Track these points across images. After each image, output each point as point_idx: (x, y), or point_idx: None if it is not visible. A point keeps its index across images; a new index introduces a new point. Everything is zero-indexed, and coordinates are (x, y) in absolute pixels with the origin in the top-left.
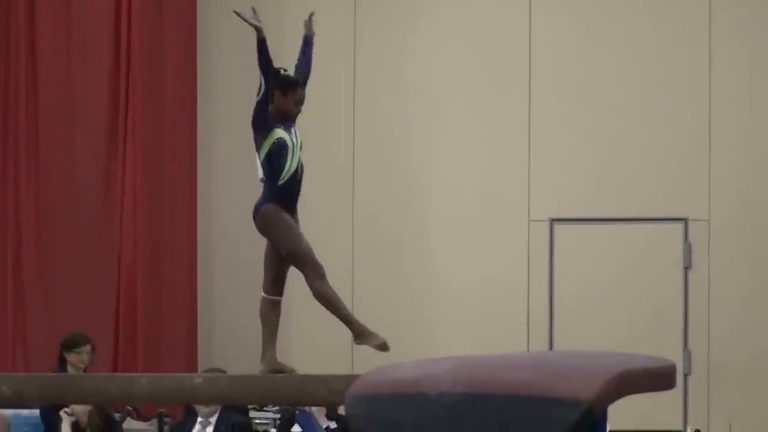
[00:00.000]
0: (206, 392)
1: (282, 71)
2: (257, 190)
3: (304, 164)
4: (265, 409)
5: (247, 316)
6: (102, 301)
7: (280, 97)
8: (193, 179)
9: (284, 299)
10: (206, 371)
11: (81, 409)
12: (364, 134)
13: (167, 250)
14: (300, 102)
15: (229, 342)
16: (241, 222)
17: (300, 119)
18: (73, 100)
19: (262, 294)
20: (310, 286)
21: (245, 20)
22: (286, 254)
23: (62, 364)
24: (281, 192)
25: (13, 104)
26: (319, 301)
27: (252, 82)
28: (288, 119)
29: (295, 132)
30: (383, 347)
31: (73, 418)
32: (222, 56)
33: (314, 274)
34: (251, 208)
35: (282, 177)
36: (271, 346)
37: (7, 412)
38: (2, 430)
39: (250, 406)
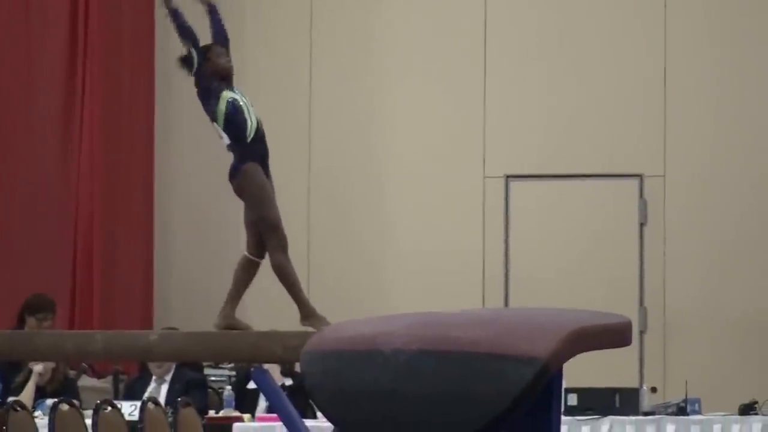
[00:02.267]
0: (162, 349)
1: (190, 52)
2: (215, 146)
3: (261, 119)
4: (220, 366)
5: (203, 274)
6: (58, 259)
7: (209, 62)
8: (150, 136)
9: (242, 252)
10: (162, 330)
11: (47, 367)
12: (320, 95)
13: (123, 207)
14: (221, 54)
15: (184, 300)
16: (198, 179)
17: (257, 83)
18: (30, 59)
19: (244, 252)
20: (271, 256)
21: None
22: (256, 219)
23: (20, 325)
24: (253, 150)
25: None
26: (276, 273)
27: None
28: (227, 78)
29: (240, 91)
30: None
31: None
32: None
33: (278, 244)
34: (209, 165)
35: (249, 133)
36: (233, 302)
37: None
38: None
39: (205, 364)
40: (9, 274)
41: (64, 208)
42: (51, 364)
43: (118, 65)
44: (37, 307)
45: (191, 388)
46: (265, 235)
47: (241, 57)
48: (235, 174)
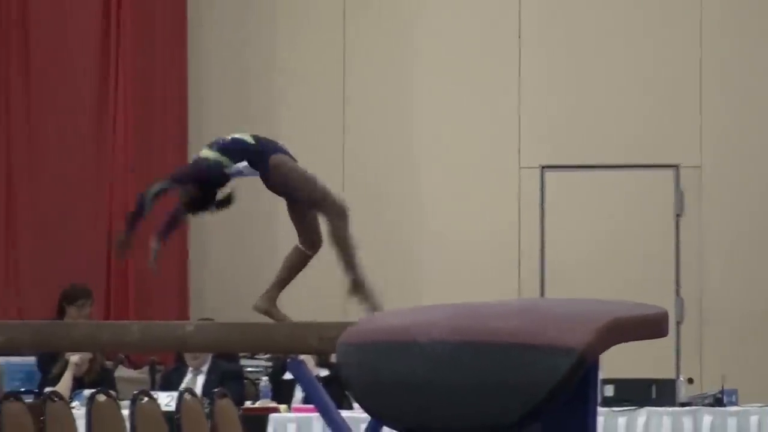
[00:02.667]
0: (197, 340)
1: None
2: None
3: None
4: (256, 357)
5: (238, 265)
6: (94, 250)
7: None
8: (183, 128)
9: (277, 245)
10: (198, 320)
11: (84, 358)
12: (355, 86)
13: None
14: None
15: (219, 291)
16: None
17: (292, 68)
18: (65, 52)
19: (297, 244)
20: (330, 225)
21: None
22: (306, 198)
23: (60, 316)
24: (263, 148)
25: (4, 56)
26: (333, 240)
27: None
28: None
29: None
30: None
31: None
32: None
33: (334, 212)
34: None
35: (249, 143)
36: (278, 288)
37: (0, 359)
38: None
39: (241, 355)
40: (45, 264)
41: (99, 201)
42: (87, 355)
43: (151, 58)
44: (74, 295)
45: (227, 379)
46: (321, 208)
47: (273, 55)
48: (267, 177)
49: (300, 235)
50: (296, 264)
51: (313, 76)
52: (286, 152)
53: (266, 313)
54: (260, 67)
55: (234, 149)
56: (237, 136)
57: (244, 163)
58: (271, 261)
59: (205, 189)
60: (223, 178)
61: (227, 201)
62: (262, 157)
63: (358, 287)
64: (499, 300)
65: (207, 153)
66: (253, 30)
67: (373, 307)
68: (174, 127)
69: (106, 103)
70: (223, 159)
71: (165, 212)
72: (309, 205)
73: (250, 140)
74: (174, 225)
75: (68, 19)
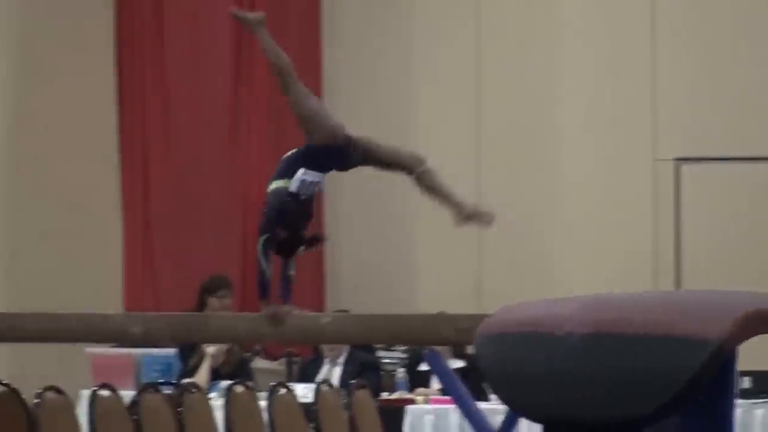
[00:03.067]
0: (334, 332)
1: None
2: (382, 125)
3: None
4: (392, 348)
5: (375, 257)
6: (229, 241)
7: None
8: None
9: (413, 236)
10: (334, 312)
11: (221, 349)
12: (489, 77)
13: None
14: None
15: (356, 283)
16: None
17: (427, 66)
18: (199, 43)
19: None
20: (416, 172)
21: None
22: (388, 160)
23: (201, 307)
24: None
25: (139, 50)
26: (425, 184)
27: (378, 14)
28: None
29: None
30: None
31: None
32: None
33: (416, 162)
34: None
35: (290, 153)
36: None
37: (138, 351)
38: (133, 370)
39: (377, 346)
40: (181, 256)
41: (234, 193)
42: (224, 346)
43: (285, 47)
44: (215, 286)
45: (364, 371)
46: (402, 163)
47: (408, 44)
48: (346, 159)
49: (399, 170)
50: (432, 184)
51: (448, 74)
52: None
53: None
54: (394, 67)
55: (284, 166)
56: (290, 157)
57: (302, 170)
58: (407, 252)
59: (290, 225)
60: (294, 201)
61: (317, 239)
62: (315, 150)
63: (464, 211)
64: (636, 292)
65: (269, 187)
66: (388, 28)
67: (487, 219)
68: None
69: (240, 97)
70: (282, 181)
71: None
72: (390, 162)
73: (293, 150)
74: (287, 282)
75: (202, 15)
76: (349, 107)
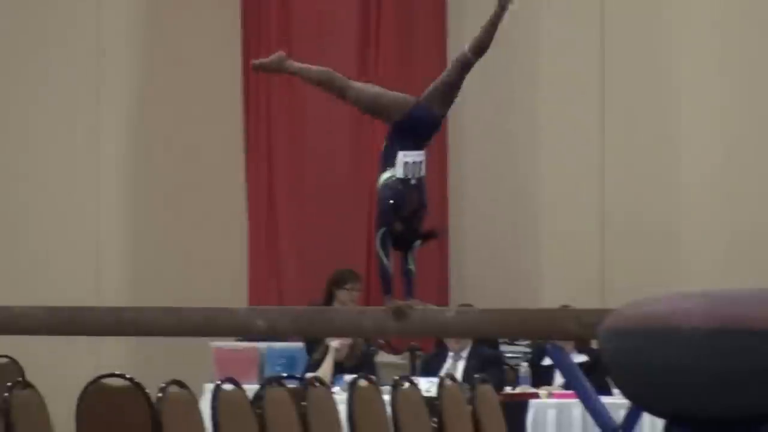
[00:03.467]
0: (457, 326)
1: None
2: (506, 116)
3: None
4: (516, 342)
5: (498, 251)
6: (354, 235)
7: None
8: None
9: (536, 230)
10: (459, 306)
11: (344, 343)
12: (614, 72)
13: None
14: None
15: (480, 276)
16: (491, 152)
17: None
18: (324, 36)
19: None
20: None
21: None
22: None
23: (329, 300)
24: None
25: (265, 35)
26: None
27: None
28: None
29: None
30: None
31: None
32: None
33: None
34: (502, 137)
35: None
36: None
37: (262, 345)
38: (257, 364)
39: (501, 340)
40: (305, 249)
41: (360, 185)
42: (348, 340)
43: (410, 43)
44: (344, 279)
45: (487, 365)
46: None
47: (535, 54)
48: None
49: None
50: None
51: (572, 73)
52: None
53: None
54: (522, 72)
55: (384, 159)
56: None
57: (401, 154)
58: (531, 247)
59: (405, 215)
60: (404, 187)
61: (433, 233)
62: (401, 127)
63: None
64: (762, 287)
65: (378, 184)
66: (514, 31)
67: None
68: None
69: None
70: (387, 173)
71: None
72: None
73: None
74: (408, 276)
75: (328, 20)
76: (473, 107)
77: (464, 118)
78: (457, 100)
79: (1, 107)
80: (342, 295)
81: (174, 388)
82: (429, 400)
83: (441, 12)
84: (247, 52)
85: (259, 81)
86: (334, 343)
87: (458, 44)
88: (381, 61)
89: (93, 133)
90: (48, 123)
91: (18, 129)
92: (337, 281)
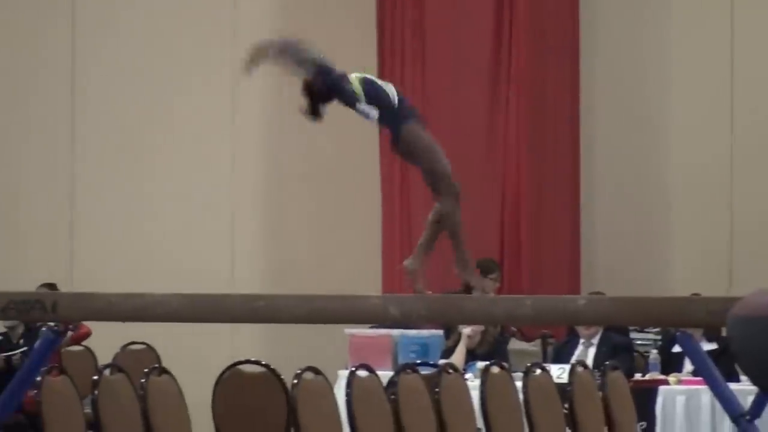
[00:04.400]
0: (588, 314)
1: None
2: (638, 108)
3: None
4: (646, 330)
5: (629, 239)
6: (487, 223)
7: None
8: (575, 108)
9: (664, 222)
10: (589, 294)
11: (476, 330)
12: (744, 55)
13: (550, 173)
14: None
15: (610, 264)
16: (622, 145)
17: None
18: (458, 39)
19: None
20: (441, 203)
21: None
22: (426, 171)
23: (470, 289)
24: (403, 112)
25: (399, 51)
26: (443, 219)
27: (635, 11)
28: None
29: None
30: (469, 290)
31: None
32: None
33: (448, 192)
34: (632, 127)
35: (393, 100)
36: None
37: (396, 332)
38: (391, 350)
39: (631, 328)
40: (440, 243)
41: (492, 175)
42: (479, 327)
43: (543, 30)
44: (489, 269)
45: (618, 352)
46: (437, 184)
47: (665, 51)
48: (396, 141)
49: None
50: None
51: (702, 63)
52: (419, 119)
53: (413, 274)
54: (652, 64)
55: (376, 96)
56: (385, 86)
57: (375, 113)
58: (660, 235)
59: (325, 93)
60: (348, 104)
61: (321, 114)
62: (396, 120)
63: (462, 265)
64: None
65: (355, 79)
66: (645, 27)
67: (476, 287)
68: (566, 100)
69: (497, 78)
70: (361, 95)
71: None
72: (426, 177)
73: (393, 99)
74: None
75: (462, 19)
76: (605, 95)
77: (596, 108)
78: (588, 85)
79: (146, 105)
80: (486, 283)
81: (309, 375)
82: (560, 387)
83: (574, 15)
84: (382, 45)
85: (393, 70)
86: (466, 330)
87: (591, 47)
88: (514, 62)
89: (228, 124)
90: (185, 115)
91: (161, 125)
92: (482, 270)
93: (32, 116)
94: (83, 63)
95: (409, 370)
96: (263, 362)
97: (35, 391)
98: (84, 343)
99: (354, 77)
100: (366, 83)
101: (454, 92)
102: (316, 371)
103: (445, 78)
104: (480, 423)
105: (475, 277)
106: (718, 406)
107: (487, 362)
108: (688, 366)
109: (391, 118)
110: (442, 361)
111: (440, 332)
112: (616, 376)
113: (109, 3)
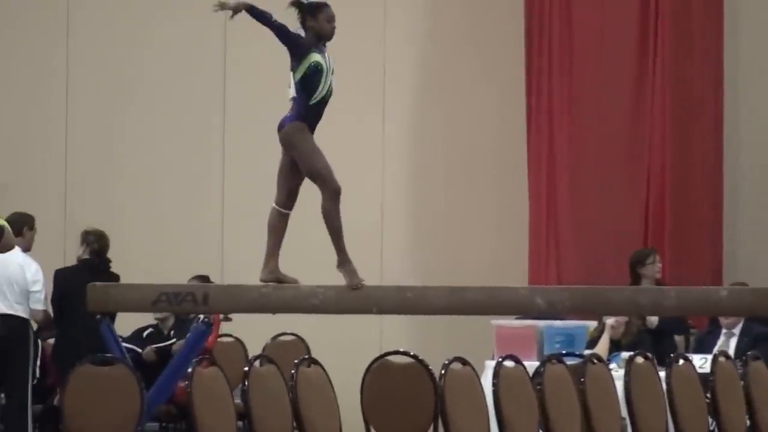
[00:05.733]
0: (731, 304)
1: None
2: None
3: (333, 88)
4: None
5: None
6: (632, 215)
7: (311, 20)
8: (719, 102)
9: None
10: (731, 285)
11: (620, 321)
12: None
13: (695, 167)
14: (332, 18)
15: (753, 256)
16: (765, 140)
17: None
18: (604, 34)
19: (273, 205)
20: (322, 202)
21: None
22: (306, 170)
23: (636, 280)
24: (311, 112)
25: (547, 45)
26: (323, 217)
27: None
28: (323, 39)
29: (328, 56)
30: (353, 288)
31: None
32: None
33: (327, 191)
34: None
35: (314, 98)
36: (275, 256)
37: (541, 323)
38: (536, 341)
39: None
40: (582, 233)
41: (636, 165)
42: (624, 318)
43: (689, 53)
44: (644, 256)
45: (759, 342)
46: (317, 183)
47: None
48: (282, 126)
49: (279, 194)
50: (279, 228)
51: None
52: (313, 126)
53: (275, 281)
54: None
55: (306, 80)
56: (324, 82)
57: (293, 91)
58: None
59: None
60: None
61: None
62: (297, 112)
63: (341, 263)
64: None
65: (312, 56)
66: None
67: (352, 284)
68: (709, 95)
69: (643, 69)
70: (301, 69)
71: None
72: (308, 176)
73: (315, 96)
74: None
75: (608, 17)
76: (749, 93)
77: (740, 107)
78: (732, 86)
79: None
80: (646, 270)
81: (456, 365)
82: (702, 377)
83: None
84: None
85: (540, 76)
86: (609, 320)
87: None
88: (659, 56)
89: (378, 121)
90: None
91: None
92: (639, 260)
93: None
94: None
95: (554, 361)
96: (411, 353)
97: (186, 382)
98: (235, 334)
99: (310, 57)
100: (311, 68)
101: (600, 93)
102: (463, 362)
103: (592, 81)
104: (624, 412)
105: (352, 276)
106: None
107: (632, 353)
108: None
109: (298, 107)
110: (587, 352)
111: (586, 323)
112: (758, 366)
113: None
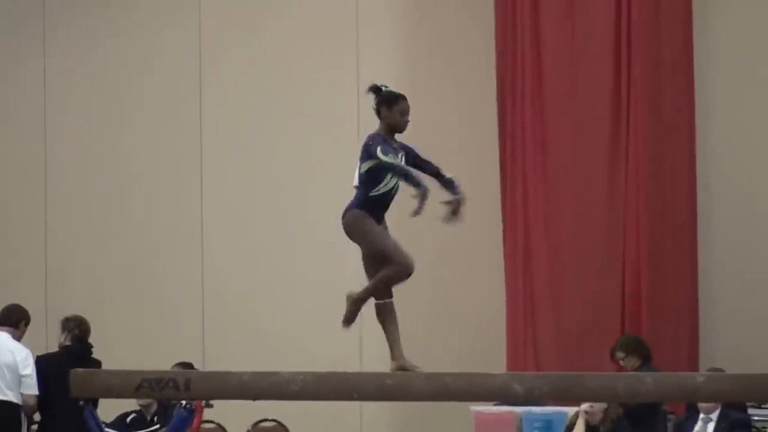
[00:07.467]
0: (708, 391)
1: (383, 88)
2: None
3: (400, 186)
4: (763, 406)
5: (746, 315)
6: (607, 305)
7: (385, 110)
8: (692, 190)
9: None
10: (708, 371)
11: (597, 407)
12: None
13: (669, 253)
14: (406, 112)
15: (728, 342)
16: (741, 222)
17: None
18: (576, 104)
19: (374, 300)
20: (385, 271)
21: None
22: (372, 254)
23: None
24: (371, 202)
25: (519, 107)
26: (382, 271)
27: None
28: (394, 131)
29: (401, 146)
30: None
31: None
32: (719, 57)
33: (393, 271)
34: (755, 210)
35: (377, 191)
36: (395, 347)
37: (519, 409)
38: (515, 426)
39: (748, 404)
40: (560, 318)
41: (613, 257)
42: (601, 405)
43: (660, 112)
44: (631, 348)
45: (736, 428)
46: (386, 264)
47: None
48: (345, 213)
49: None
50: (386, 317)
51: None
52: (379, 216)
53: (402, 369)
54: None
55: (370, 173)
56: (388, 180)
57: (356, 180)
58: None
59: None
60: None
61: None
62: (358, 200)
63: (353, 301)
64: None
65: (384, 158)
66: (763, 87)
67: (346, 321)
68: (683, 179)
69: (617, 155)
70: (367, 163)
71: None
72: (365, 261)
73: (377, 190)
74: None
75: (581, 70)
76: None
77: (711, 176)
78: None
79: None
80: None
81: None
82: None
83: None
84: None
85: (514, 117)
86: (584, 405)
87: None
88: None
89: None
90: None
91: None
92: (626, 350)
93: None
94: None
95: None
96: None
97: None
98: (216, 420)
99: (379, 155)
100: (378, 166)
101: (574, 141)
102: None
103: (565, 124)
104: None
105: (348, 316)
106: None
107: None
108: None
109: (360, 195)
110: None
111: (564, 409)
112: None
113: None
